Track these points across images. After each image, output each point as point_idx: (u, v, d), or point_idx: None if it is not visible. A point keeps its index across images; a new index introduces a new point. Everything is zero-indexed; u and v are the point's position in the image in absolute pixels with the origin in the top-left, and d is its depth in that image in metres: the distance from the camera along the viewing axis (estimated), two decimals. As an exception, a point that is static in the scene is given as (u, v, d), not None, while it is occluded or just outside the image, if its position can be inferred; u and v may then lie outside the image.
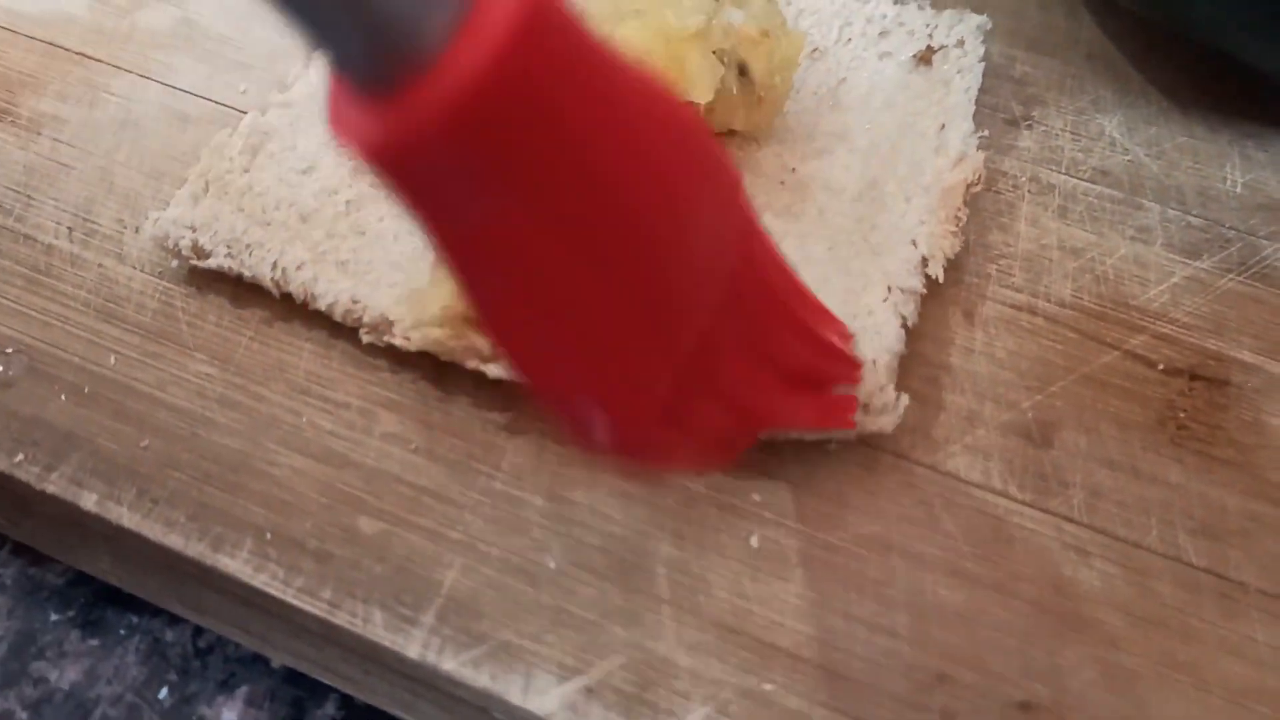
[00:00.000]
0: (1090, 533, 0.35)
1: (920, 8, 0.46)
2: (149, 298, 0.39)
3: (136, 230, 0.40)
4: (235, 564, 0.33)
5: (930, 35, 0.45)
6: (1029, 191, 0.43)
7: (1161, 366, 0.39)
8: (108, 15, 0.47)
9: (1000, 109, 0.46)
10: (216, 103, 0.44)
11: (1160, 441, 0.37)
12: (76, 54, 0.45)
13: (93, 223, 0.40)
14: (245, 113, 0.43)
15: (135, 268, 0.39)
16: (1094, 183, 0.43)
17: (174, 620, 0.38)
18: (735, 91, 0.41)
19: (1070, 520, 0.35)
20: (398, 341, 0.36)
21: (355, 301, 0.37)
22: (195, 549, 0.33)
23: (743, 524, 0.35)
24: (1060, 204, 0.43)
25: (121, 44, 0.46)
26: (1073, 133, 0.45)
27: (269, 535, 0.34)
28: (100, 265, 0.39)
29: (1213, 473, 0.36)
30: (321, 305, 0.37)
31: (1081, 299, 0.40)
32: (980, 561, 0.34)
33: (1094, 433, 0.37)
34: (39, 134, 0.43)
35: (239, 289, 0.38)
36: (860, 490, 0.36)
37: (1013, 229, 0.42)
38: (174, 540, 0.33)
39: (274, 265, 0.38)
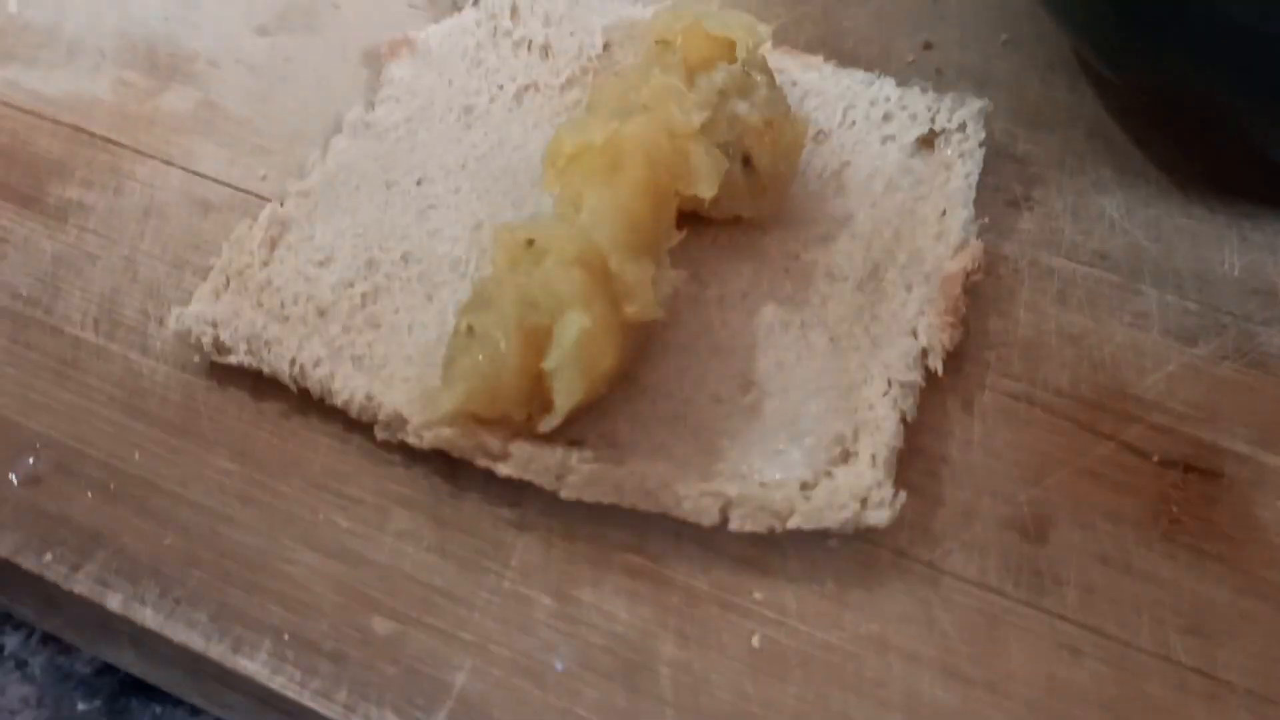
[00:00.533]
0: (1083, 631, 0.36)
1: (923, 90, 0.47)
2: (172, 391, 0.40)
3: (160, 322, 0.41)
4: (254, 665, 0.34)
5: (932, 119, 0.46)
6: (1029, 276, 0.44)
7: (1156, 458, 0.40)
8: (131, 98, 0.48)
9: (1002, 189, 0.46)
10: (236, 188, 0.45)
11: (1153, 536, 0.38)
12: (102, 139, 0.47)
13: (118, 314, 0.42)
14: (265, 199, 0.44)
15: (159, 360, 0.40)
16: (1093, 266, 0.44)
17: (196, 712, 0.39)
18: (740, 182, 0.42)
19: (1064, 618, 0.36)
20: (410, 439, 0.37)
21: (370, 399, 0.38)
22: (216, 650, 0.35)
23: (744, 623, 0.36)
24: (1059, 289, 0.44)
25: (145, 128, 0.47)
26: (1073, 214, 0.46)
27: (287, 636, 0.35)
28: (125, 357, 0.41)
29: (1203, 568, 0.37)
30: (338, 402, 0.38)
31: (1079, 388, 0.41)
32: (975, 662, 0.35)
33: (1089, 528, 0.38)
34: (66, 222, 0.44)
35: (259, 382, 0.40)
36: (859, 588, 0.37)
37: (1012, 315, 0.43)
38: (195, 641, 0.35)
39: (292, 362, 0.39)
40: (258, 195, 0.45)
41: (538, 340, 0.36)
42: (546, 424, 0.36)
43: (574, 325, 0.35)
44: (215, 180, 0.45)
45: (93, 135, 0.47)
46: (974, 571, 0.37)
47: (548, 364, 0.35)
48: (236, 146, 0.47)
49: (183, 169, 0.46)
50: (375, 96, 0.47)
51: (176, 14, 0.51)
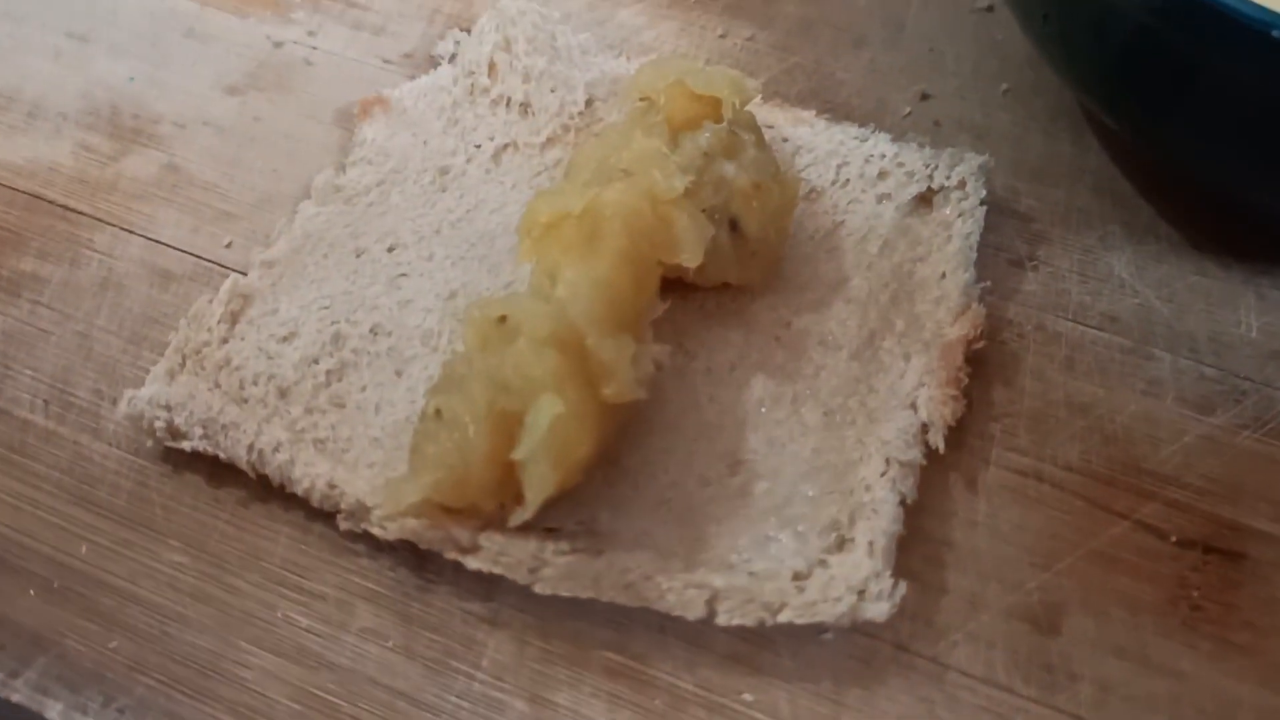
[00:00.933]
0: (1099, 733, 0.33)
1: (921, 146, 0.45)
2: (124, 478, 0.38)
3: (114, 403, 0.39)
4: (202, 783, 0.32)
5: (930, 176, 0.44)
6: (1034, 341, 0.42)
7: (1174, 538, 0.37)
8: (92, 163, 0.46)
9: (1004, 248, 0.44)
10: (200, 258, 0.43)
11: (1172, 625, 0.35)
12: (60, 206, 0.45)
13: (70, 394, 0.39)
14: (230, 268, 0.42)
15: (111, 444, 0.38)
16: (1102, 330, 0.42)
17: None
18: (728, 247, 0.40)
19: (1078, 718, 0.34)
20: (375, 530, 0.35)
21: (332, 486, 0.36)
22: (161, 765, 0.32)
23: (733, 728, 0.33)
24: (1067, 354, 0.41)
25: (106, 194, 0.45)
26: (1080, 273, 0.44)
27: (237, 749, 0.32)
28: (75, 442, 0.38)
29: (1226, 660, 0.35)
30: (298, 490, 0.36)
31: (1090, 462, 0.39)
32: (982, 768, 0.33)
33: (1103, 616, 0.35)
34: (19, 296, 0.42)
35: (216, 467, 0.37)
36: (857, 687, 0.34)
37: (1017, 384, 0.41)
38: (140, 756, 0.32)
39: (250, 447, 0.37)
40: (221, 265, 0.43)
41: (509, 426, 0.33)
42: (517, 518, 0.33)
43: (547, 411, 0.33)
44: (177, 249, 0.43)
45: (51, 203, 0.45)
46: (981, 667, 0.34)
47: (518, 453, 0.33)
48: (200, 213, 0.44)
49: (144, 237, 0.44)
50: (347, 159, 0.45)
51: (144, 74, 0.49)
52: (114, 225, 0.44)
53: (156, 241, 0.44)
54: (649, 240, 0.38)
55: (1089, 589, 0.36)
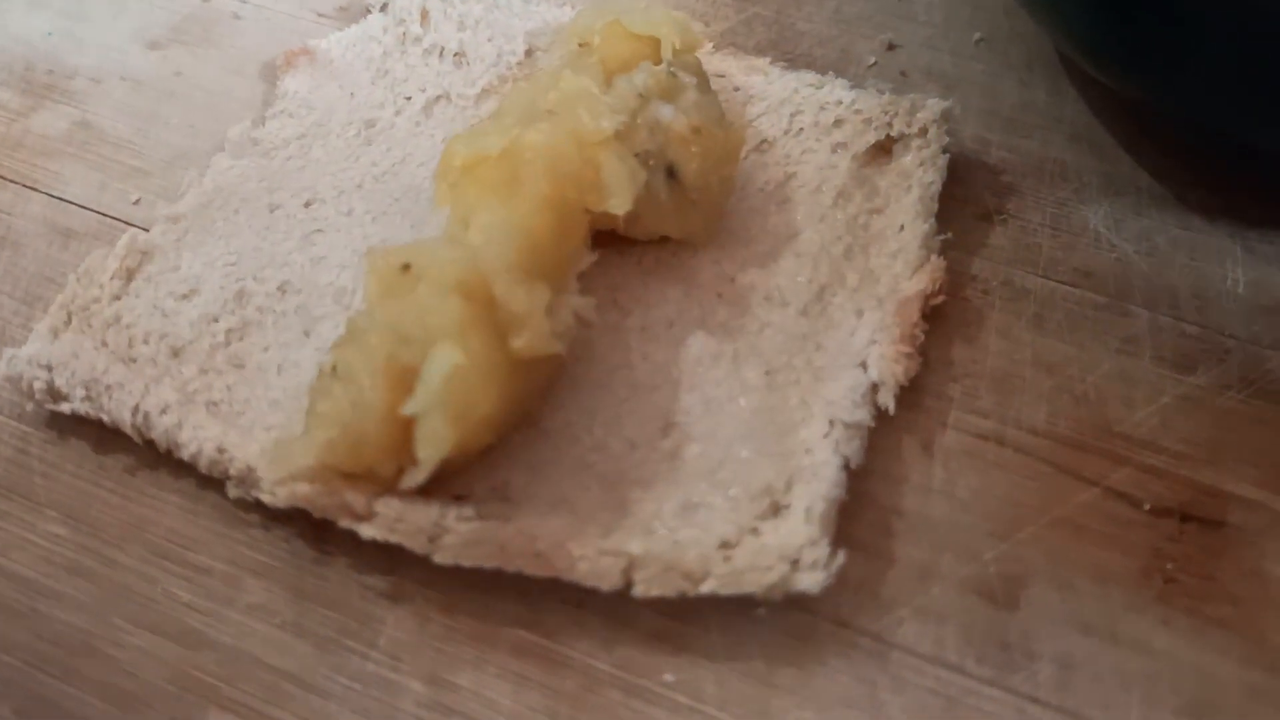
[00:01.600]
0: (1060, 716, 0.30)
1: (880, 92, 0.42)
2: (2, 444, 0.35)
3: (-2, 364, 0.36)
4: (60, 771, 0.29)
5: (889, 124, 0.41)
6: (1000, 298, 0.38)
7: (1148, 506, 0.34)
8: (0, 119, 0.43)
9: (970, 200, 0.41)
10: (104, 215, 0.40)
11: (1145, 599, 0.32)
12: (-40, 164, 0.42)
13: (-49, 357, 0.37)
14: (135, 227, 0.39)
15: (-8, 410, 0.35)
16: (1075, 285, 0.39)
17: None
18: (664, 196, 0.37)
19: (1036, 700, 0.30)
20: (265, 497, 0.32)
21: (221, 451, 0.33)
22: (18, 752, 0.29)
23: (653, 711, 0.30)
24: (1036, 311, 0.38)
25: (10, 151, 0.42)
26: (1052, 227, 0.40)
27: (103, 734, 0.29)
28: (-46, 408, 0.36)
29: (1206, 636, 0.31)
30: (185, 455, 0.33)
31: (1057, 425, 0.35)
32: (928, 757, 0.29)
33: (1068, 589, 0.32)
34: (-93, 256, 0.39)
35: (103, 433, 0.34)
36: (791, 667, 0.31)
37: (980, 342, 0.37)
38: (-5, 741, 0.29)
39: (135, 409, 0.34)
40: (127, 222, 0.40)
41: (408, 381, 0.30)
42: (410, 479, 0.30)
43: (443, 361, 0.30)
44: (81, 206, 0.41)
45: (-50, 160, 0.42)
46: (929, 645, 0.31)
47: (410, 407, 0.30)
48: (110, 169, 0.42)
49: (47, 194, 0.41)
50: (267, 111, 0.42)
51: (62, 29, 0.46)
52: (16, 183, 0.41)
53: (60, 199, 0.41)
54: (574, 185, 0.35)
55: (1053, 560, 0.33)
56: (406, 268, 0.32)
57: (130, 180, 0.41)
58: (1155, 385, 0.36)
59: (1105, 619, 0.32)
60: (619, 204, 0.35)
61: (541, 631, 0.31)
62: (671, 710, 0.30)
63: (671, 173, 0.37)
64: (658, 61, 0.38)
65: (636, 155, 0.36)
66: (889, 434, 0.35)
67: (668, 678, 0.31)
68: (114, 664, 0.31)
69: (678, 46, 0.39)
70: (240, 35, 0.46)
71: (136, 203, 0.41)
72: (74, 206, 0.41)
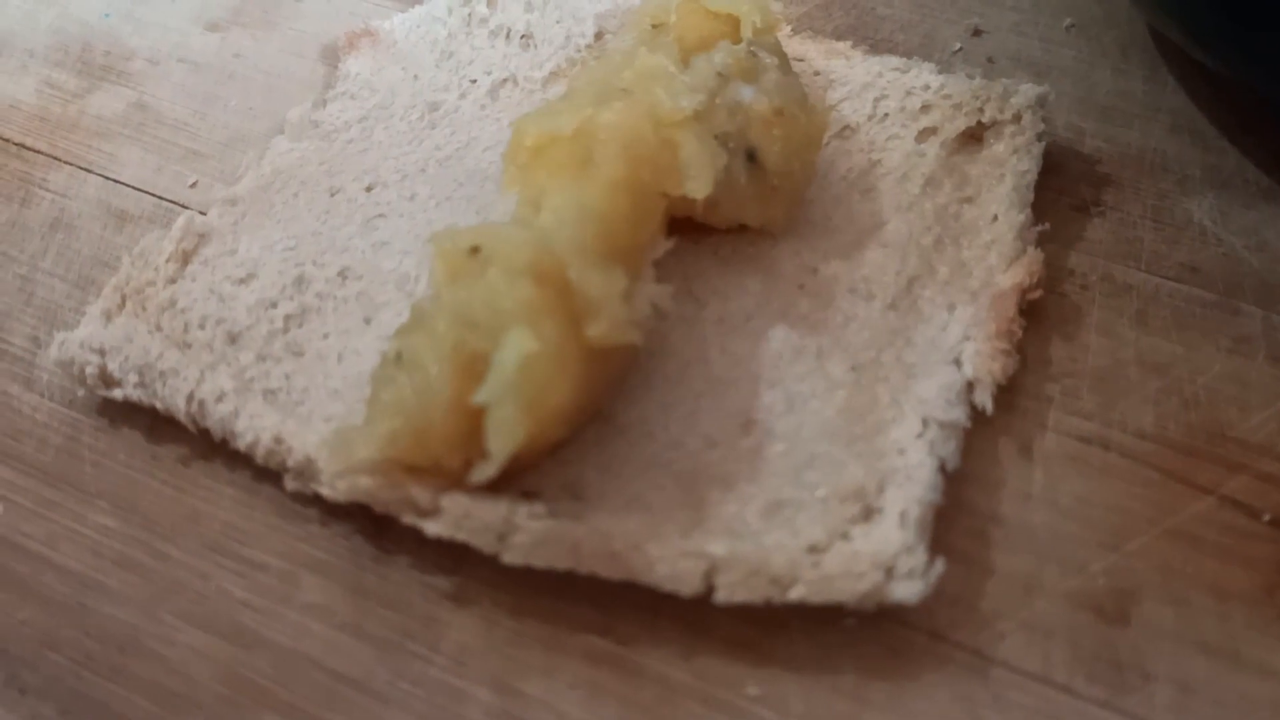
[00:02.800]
0: (1179, 742, 0.28)
1: (970, 77, 0.40)
2: (53, 432, 0.33)
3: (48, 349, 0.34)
4: (105, 775, 0.27)
5: (981, 110, 0.38)
6: (1100, 293, 0.36)
7: (1268, 516, 0.31)
8: (55, 100, 0.42)
9: (1066, 193, 0.39)
10: (160, 198, 0.39)
11: (1268, 617, 0.30)
12: (16, 145, 0.41)
13: (3, 341, 0.35)
14: (191, 209, 0.38)
15: (43, 395, 0.34)
16: (1181, 281, 0.36)
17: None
18: (744, 181, 0.35)
19: (1152, 725, 0.28)
20: (324, 491, 0.30)
21: (279, 441, 0.31)
22: (62, 755, 0.28)
23: (735, 726, 0.28)
24: (1139, 308, 0.36)
25: (66, 133, 0.41)
26: (1154, 220, 0.38)
27: (150, 737, 0.28)
28: (4, 393, 0.34)
29: (1336, 659, 0.29)
30: (241, 445, 0.32)
31: (1166, 429, 0.33)
32: (1035, 783, 0.27)
33: (1183, 605, 0.30)
34: (-40, 237, 0.38)
35: (156, 421, 0.33)
36: (884, 681, 0.29)
37: (1080, 340, 0.35)
38: (38, 743, 0.28)
39: (190, 397, 0.32)
40: (183, 205, 0.39)
41: (477, 369, 0.29)
42: (480, 473, 0.28)
43: (516, 348, 0.28)
44: (136, 189, 0.39)
45: (6, 140, 0.41)
46: (1034, 662, 0.29)
47: (481, 395, 0.28)
48: (166, 152, 0.40)
49: (102, 176, 0.40)
50: (328, 93, 0.41)
51: (121, 10, 0.45)
52: (71, 164, 0.40)
53: (115, 181, 0.40)
54: (650, 167, 0.33)
55: (1166, 574, 0.30)
56: (475, 250, 0.30)
57: (187, 163, 0.40)
58: (1271, 388, 0.34)
59: (1226, 639, 0.29)
60: (698, 187, 0.33)
61: (615, 638, 0.29)
62: (756, 725, 0.28)
63: (752, 156, 0.35)
64: (736, 41, 0.37)
65: (716, 137, 0.34)
66: (985, 436, 0.33)
67: (751, 690, 0.28)
68: (163, 662, 0.29)
69: (758, 25, 0.37)
70: (301, 17, 0.45)
71: (193, 185, 0.39)
72: (129, 189, 0.39)
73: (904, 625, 0.29)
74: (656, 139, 0.33)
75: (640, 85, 0.34)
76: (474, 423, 0.29)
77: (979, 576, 0.30)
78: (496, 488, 0.30)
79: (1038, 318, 0.35)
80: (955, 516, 0.31)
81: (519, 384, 0.28)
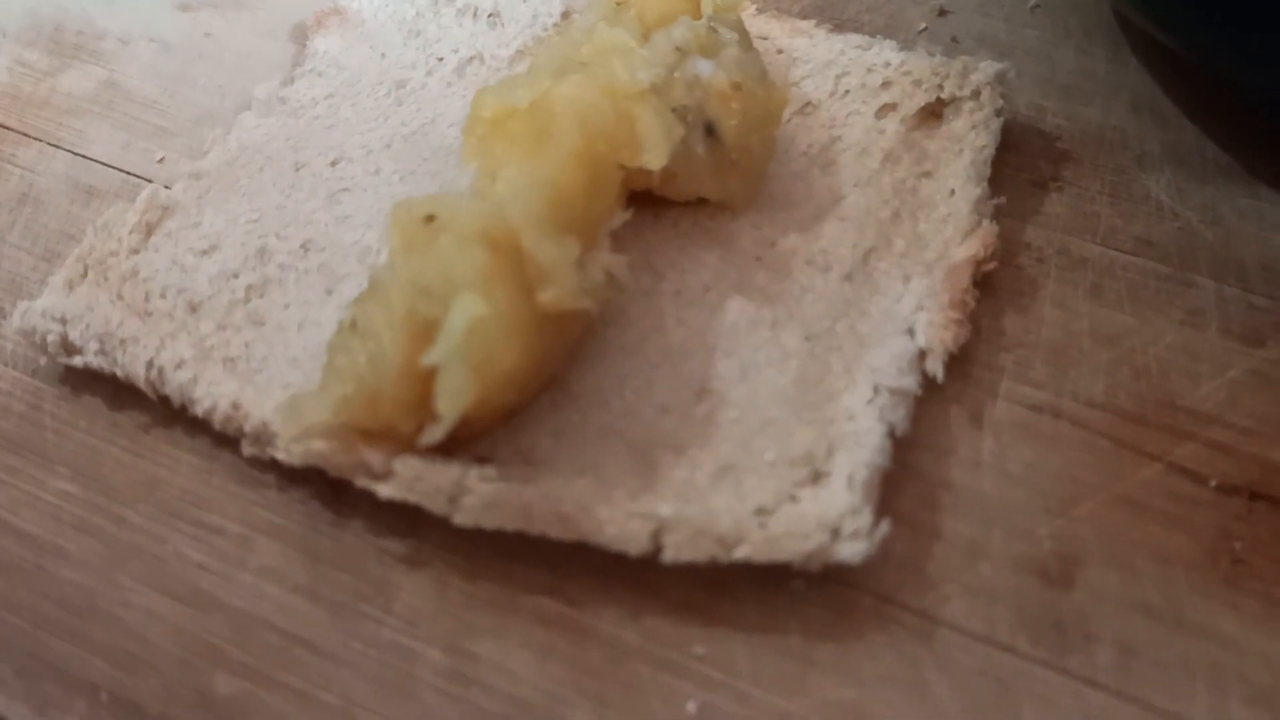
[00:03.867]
0: (1120, 701, 0.28)
1: (930, 53, 0.40)
2: (16, 400, 0.34)
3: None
4: (59, 733, 0.28)
5: (940, 86, 0.39)
6: (1056, 266, 0.36)
7: (1214, 483, 0.32)
8: (26, 78, 0.43)
9: (1024, 168, 0.39)
10: (128, 173, 0.39)
11: (1211, 581, 0.30)
12: (-15, 122, 0.41)
13: (-34, 311, 0.36)
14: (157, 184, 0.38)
15: (6, 364, 0.34)
16: (1136, 255, 0.37)
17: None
18: (702, 155, 0.35)
19: (1094, 685, 0.28)
20: (279, 455, 0.31)
21: (236, 407, 0.31)
22: (17, 712, 0.28)
23: (681, 685, 0.28)
24: (1094, 281, 0.36)
25: (36, 110, 0.41)
26: (1111, 195, 0.38)
27: (105, 696, 0.28)
28: (-33, 362, 0.35)
29: (1277, 621, 0.29)
30: (199, 411, 0.32)
31: (1117, 398, 0.33)
32: (976, 739, 0.27)
33: (1128, 569, 0.30)
34: (-74, 211, 0.38)
35: (117, 390, 0.33)
36: (830, 643, 0.29)
37: (1034, 312, 0.35)
38: (-7, 701, 0.28)
39: (149, 364, 0.32)
40: (151, 180, 0.39)
41: (429, 335, 0.29)
42: (430, 435, 0.29)
43: (465, 312, 0.28)
44: (105, 164, 0.40)
45: (-25, 118, 0.41)
46: (979, 624, 0.29)
47: (429, 357, 0.28)
48: (135, 129, 0.41)
49: (70, 152, 0.40)
50: (295, 70, 0.41)
51: (96, -10, 0.46)
52: (40, 140, 0.41)
53: (84, 157, 0.40)
54: (607, 139, 0.33)
55: (1112, 539, 0.31)
56: (430, 219, 0.31)
57: (155, 139, 0.40)
58: (1221, 358, 0.34)
59: (1169, 602, 0.30)
60: (654, 159, 0.33)
61: (565, 600, 0.30)
62: (702, 684, 0.28)
63: (710, 130, 0.35)
64: (697, 17, 0.37)
65: (674, 110, 0.34)
66: (936, 405, 0.33)
67: (698, 650, 0.29)
68: (120, 625, 0.29)
69: (719, 2, 0.37)
70: (273, -2, 0.45)
71: (161, 161, 0.40)
72: (97, 164, 0.40)
73: (851, 588, 0.30)
74: (613, 111, 0.33)
75: (598, 59, 0.35)
76: (426, 388, 0.29)
77: (926, 540, 0.31)
78: (450, 453, 0.30)
79: (993, 290, 0.35)
80: (904, 482, 0.31)
81: (468, 346, 0.28)
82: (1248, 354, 0.34)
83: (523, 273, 0.30)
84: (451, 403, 0.28)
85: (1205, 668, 0.28)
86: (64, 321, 0.33)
